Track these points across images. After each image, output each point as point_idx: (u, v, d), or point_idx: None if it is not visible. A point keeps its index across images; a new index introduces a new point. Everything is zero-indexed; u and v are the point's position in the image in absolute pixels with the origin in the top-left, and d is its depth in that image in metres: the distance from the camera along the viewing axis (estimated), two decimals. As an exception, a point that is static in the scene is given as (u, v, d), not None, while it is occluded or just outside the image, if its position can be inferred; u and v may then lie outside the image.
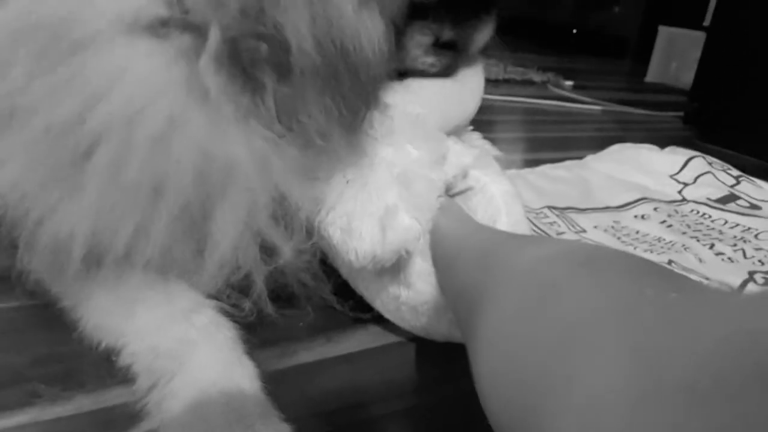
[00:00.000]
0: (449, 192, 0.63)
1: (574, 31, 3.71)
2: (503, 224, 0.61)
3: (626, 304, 0.28)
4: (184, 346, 0.48)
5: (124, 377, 0.51)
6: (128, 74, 0.43)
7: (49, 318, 0.57)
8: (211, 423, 0.43)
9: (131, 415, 0.47)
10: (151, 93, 0.44)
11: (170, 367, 0.47)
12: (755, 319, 0.22)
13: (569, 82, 2.33)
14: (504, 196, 0.62)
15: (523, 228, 0.63)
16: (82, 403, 0.48)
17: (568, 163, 1.23)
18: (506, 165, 1.14)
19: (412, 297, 0.57)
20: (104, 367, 0.52)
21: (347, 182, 0.53)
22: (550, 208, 0.98)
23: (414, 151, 0.56)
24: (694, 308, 0.25)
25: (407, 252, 0.52)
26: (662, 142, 1.35)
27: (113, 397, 0.49)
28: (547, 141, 1.58)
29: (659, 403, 0.22)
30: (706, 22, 2.12)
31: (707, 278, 0.80)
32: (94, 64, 0.43)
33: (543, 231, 0.88)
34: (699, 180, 1.15)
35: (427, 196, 0.55)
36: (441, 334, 0.59)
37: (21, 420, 0.46)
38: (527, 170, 1.16)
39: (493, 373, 0.36)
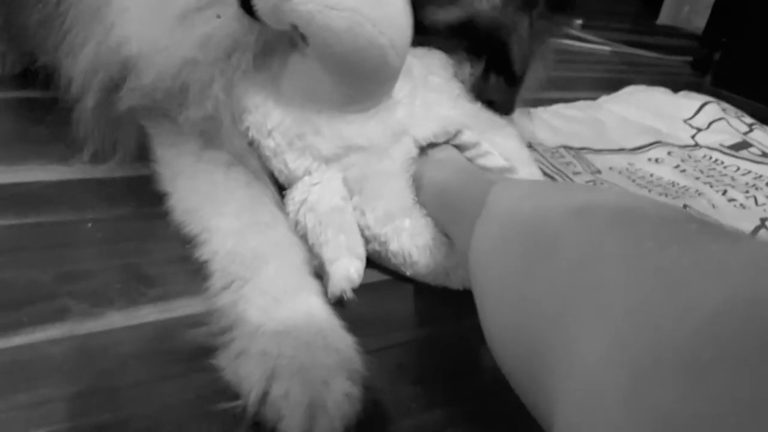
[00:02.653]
0: (449, 142, 0.61)
1: (583, -33, 3.60)
2: None
3: (624, 260, 0.27)
4: (258, 258, 0.50)
5: (154, 296, 0.51)
6: None
7: (72, 235, 0.57)
8: (289, 327, 0.45)
9: (164, 331, 0.48)
10: None
11: (243, 274, 0.49)
12: (756, 283, 0.21)
13: (578, 21, 2.27)
14: (509, 154, 0.60)
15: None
16: (114, 319, 0.48)
17: (581, 103, 1.21)
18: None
19: (419, 271, 0.57)
20: (132, 285, 0.52)
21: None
22: (566, 147, 0.97)
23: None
24: (694, 267, 0.24)
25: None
26: (671, 87, 1.33)
27: (144, 314, 0.49)
28: (556, 80, 1.55)
29: (658, 381, 0.20)
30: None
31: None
32: None
33: (559, 170, 0.88)
34: (712, 126, 1.14)
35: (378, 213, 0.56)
36: (453, 285, 0.59)
37: (53, 334, 0.46)
38: (541, 109, 1.14)
39: (499, 324, 0.36)
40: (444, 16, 0.54)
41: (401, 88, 0.57)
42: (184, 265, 0.55)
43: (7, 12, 0.75)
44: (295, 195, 0.57)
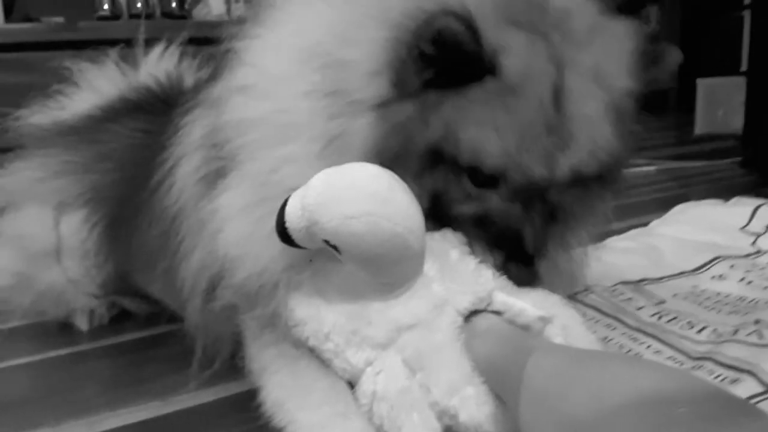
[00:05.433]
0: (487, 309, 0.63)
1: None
2: None
3: None
4: None
5: None
6: None
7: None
8: None
9: None
10: None
11: None
12: None
13: (618, 147, 2.33)
14: (539, 303, 0.62)
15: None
16: None
17: (632, 232, 1.23)
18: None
19: None
20: None
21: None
22: (624, 283, 0.98)
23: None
24: None
25: None
26: (726, 191, 1.34)
27: None
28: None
29: None
30: (743, 67, 2.14)
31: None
32: None
33: (621, 308, 0.89)
34: (771, 228, 1.14)
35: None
36: None
37: None
38: (592, 247, 1.16)
39: None
40: (466, 209, 0.61)
41: (431, 267, 0.63)
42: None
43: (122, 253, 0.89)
44: (365, 388, 0.61)
